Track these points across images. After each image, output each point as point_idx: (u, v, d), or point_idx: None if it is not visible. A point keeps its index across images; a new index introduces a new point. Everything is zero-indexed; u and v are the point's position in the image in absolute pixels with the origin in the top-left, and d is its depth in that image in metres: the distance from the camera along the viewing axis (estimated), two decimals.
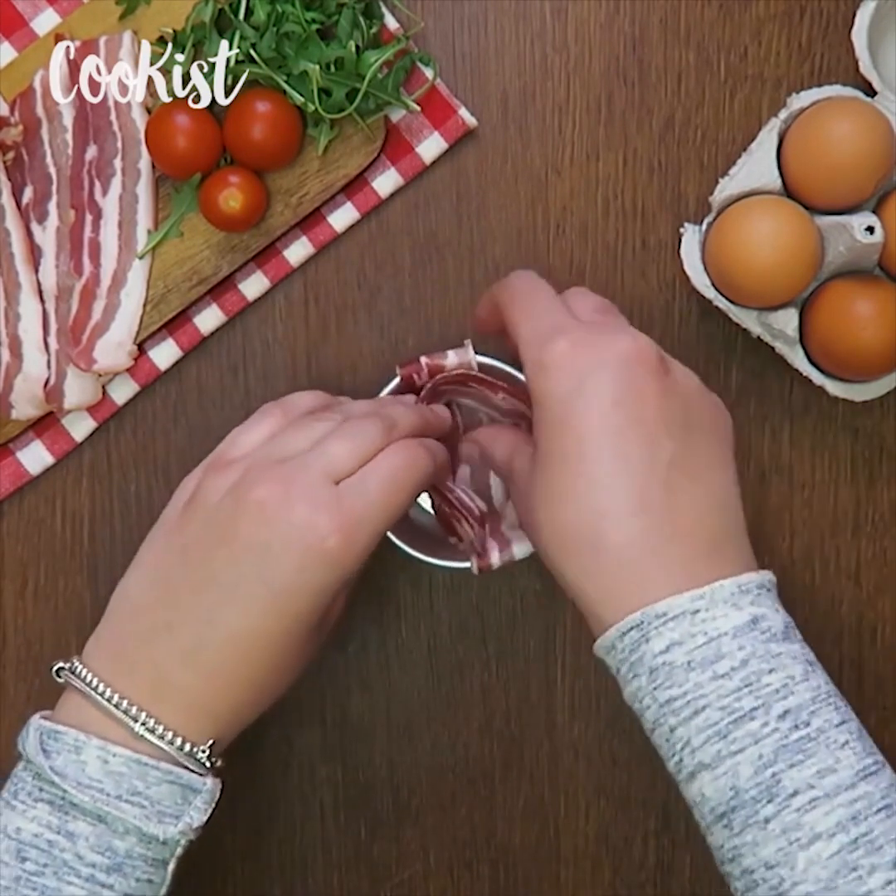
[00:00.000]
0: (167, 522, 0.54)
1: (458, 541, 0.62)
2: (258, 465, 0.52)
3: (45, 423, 0.66)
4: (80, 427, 0.66)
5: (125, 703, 0.51)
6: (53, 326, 0.64)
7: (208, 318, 0.65)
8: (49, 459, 0.66)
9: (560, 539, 0.50)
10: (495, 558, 0.60)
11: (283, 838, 0.67)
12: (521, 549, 0.60)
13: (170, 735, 0.50)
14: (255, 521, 0.50)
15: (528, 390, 0.52)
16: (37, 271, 0.65)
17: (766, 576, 0.50)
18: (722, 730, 0.47)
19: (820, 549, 0.67)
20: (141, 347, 0.65)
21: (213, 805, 0.52)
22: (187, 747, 0.51)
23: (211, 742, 0.51)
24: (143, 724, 0.50)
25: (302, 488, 0.50)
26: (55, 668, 0.53)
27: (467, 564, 0.61)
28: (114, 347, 0.64)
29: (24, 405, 0.64)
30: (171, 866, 0.51)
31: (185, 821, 0.51)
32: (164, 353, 0.65)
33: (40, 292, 0.65)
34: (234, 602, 0.50)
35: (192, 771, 0.51)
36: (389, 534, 0.60)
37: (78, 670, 0.52)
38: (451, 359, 0.61)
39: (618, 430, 0.49)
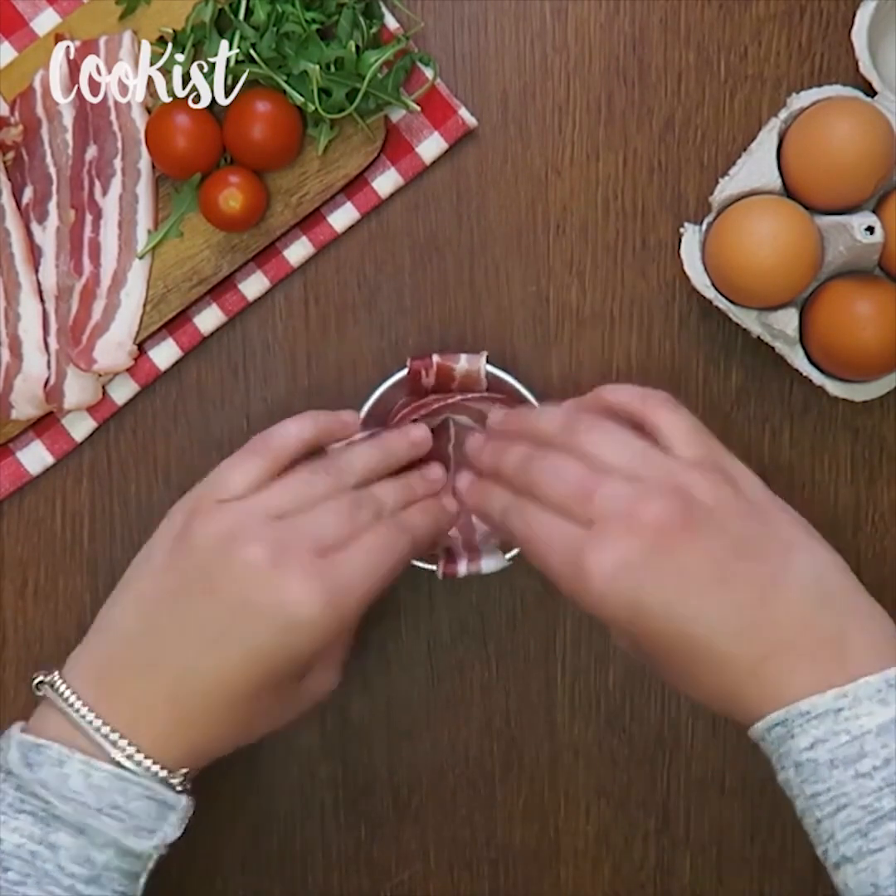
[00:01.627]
0: (155, 556, 0.55)
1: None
2: (250, 519, 0.53)
3: (45, 423, 0.66)
4: (80, 427, 0.66)
5: (107, 728, 0.51)
6: (53, 326, 0.64)
7: (208, 318, 0.65)
8: (49, 459, 0.66)
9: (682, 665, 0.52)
10: (462, 568, 0.61)
11: (283, 838, 0.67)
12: (489, 565, 0.61)
13: (148, 763, 0.51)
14: (243, 580, 0.52)
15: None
16: (37, 271, 0.65)
17: None
18: (863, 828, 0.48)
19: None
20: (141, 347, 0.65)
21: (186, 822, 0.53)
22: (163, 774, 0.52)
23: (185, 771, 0.52)
24: (123, 750, 0.51)
25: (291, 556, 0.52)
26: (36, 681, 0.54)
27: (433, 567, 0.61)
28: (114, 347, 0.64)
29: (24, 405, 0.64)
30: (143, 879, 0.52)
31: (159, 836, 0.52)
32: (164, 353, 0.65)
33: (40, 292, 0.65)
34: (216, 655, 0.52)
35: (168, 789, 0.52)
36: None
37: (59, 687, 0.53)
38: (463, 363, 0.61)
39: (687, 597, 0.51)
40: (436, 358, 0.61)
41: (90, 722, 0.52)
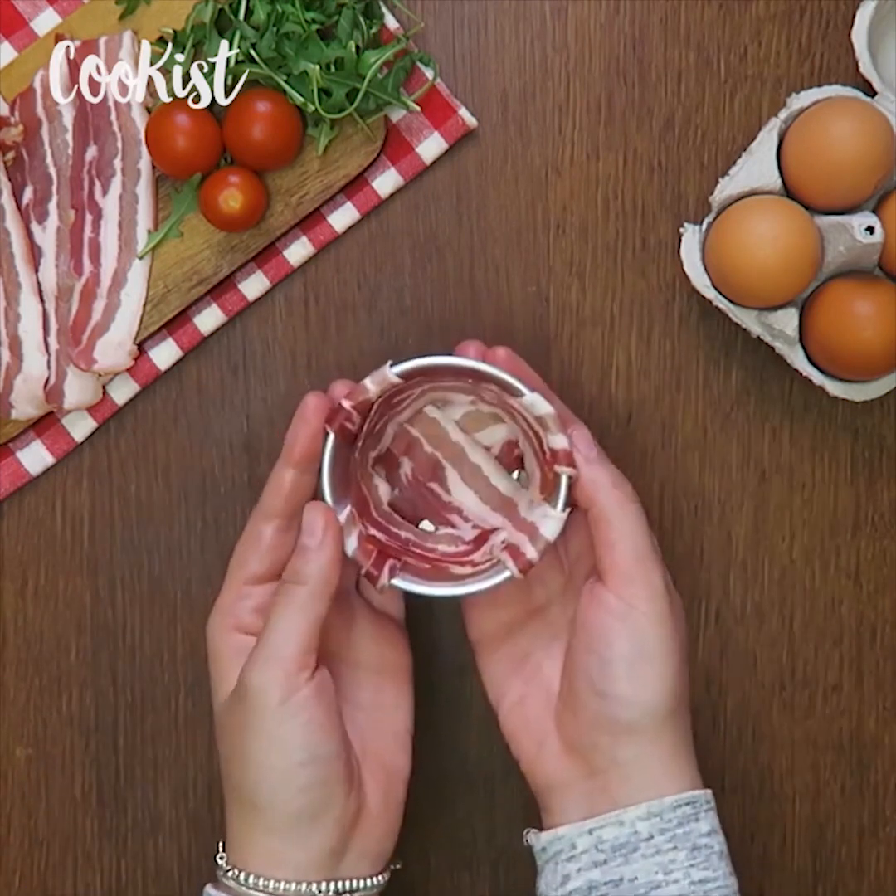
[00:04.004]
0: None
1: (471, 568, 0.59)
2: None
3: (45, 423, 0.66)
4: (80, 427, 0.66)
5: (233, 871, 0.56)
6: (53, 326, 0.65)
7: (208, 318, 0.65)
8: (49, 459, 0.66)
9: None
10: (530, 551, 0.56)
11: None
12: (550, 529, 0.56)
13: (246, 878, 0.55)
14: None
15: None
16: (37, 271, 0.65)
17: None
18: None
19: (820, 549, 0.67)
20: (141, 347, 0.65)
21: None
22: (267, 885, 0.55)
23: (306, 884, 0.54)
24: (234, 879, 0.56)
25: None
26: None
27: (503, 577, 0.57)
28: (114, 347, 0.64)
29: (24, 405, 0.64)
30: None
31: None
32: (164, 353, 0.65)
33: (40, 292, 0.65)
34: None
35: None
36: (403, 584, 0.57)
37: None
38: (371, 389, 0.56)
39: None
40: (346, 403, 0.56)
41: (226, 872, 0.56)
